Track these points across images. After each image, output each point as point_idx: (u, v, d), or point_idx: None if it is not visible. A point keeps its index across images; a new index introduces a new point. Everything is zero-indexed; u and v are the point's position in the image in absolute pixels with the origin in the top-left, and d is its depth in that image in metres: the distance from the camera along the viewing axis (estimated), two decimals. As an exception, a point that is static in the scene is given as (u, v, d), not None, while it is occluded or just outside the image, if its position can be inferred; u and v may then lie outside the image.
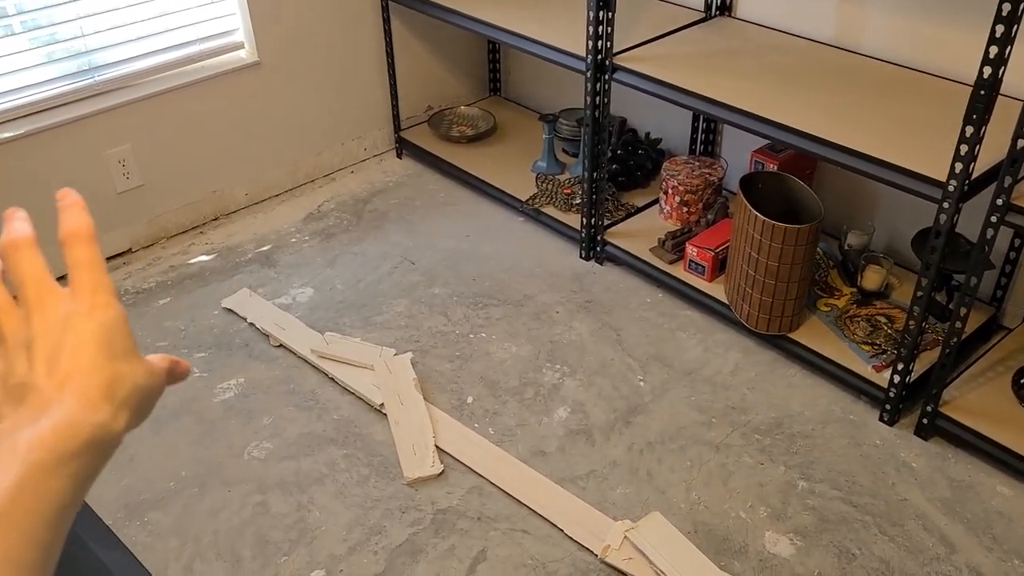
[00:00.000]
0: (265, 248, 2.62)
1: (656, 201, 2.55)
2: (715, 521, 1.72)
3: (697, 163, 2.45)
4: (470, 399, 2.03)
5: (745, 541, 1.68)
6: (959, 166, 1.57)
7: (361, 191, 2.89)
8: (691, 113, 2.55)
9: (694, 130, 2.58)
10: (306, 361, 2.15)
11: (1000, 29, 1.42)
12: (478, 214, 2.73)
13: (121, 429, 0.47)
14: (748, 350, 2.14)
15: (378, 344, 2.18)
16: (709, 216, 2.37)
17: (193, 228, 2.73)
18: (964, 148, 1.54)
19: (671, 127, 2.70)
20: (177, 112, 2.55)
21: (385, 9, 2.77)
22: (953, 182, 1.59)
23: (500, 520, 1.74)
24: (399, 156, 3.06)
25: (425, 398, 2.01)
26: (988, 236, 1.60)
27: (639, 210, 2.54)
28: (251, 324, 2.28)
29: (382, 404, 1.98)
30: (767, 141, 2.27)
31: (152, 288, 2.46)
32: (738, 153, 2.52)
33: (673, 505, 1.76)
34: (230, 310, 2.35)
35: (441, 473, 1.83)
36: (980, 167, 1.62)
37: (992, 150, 1.62)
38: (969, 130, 1.52)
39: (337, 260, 2.55)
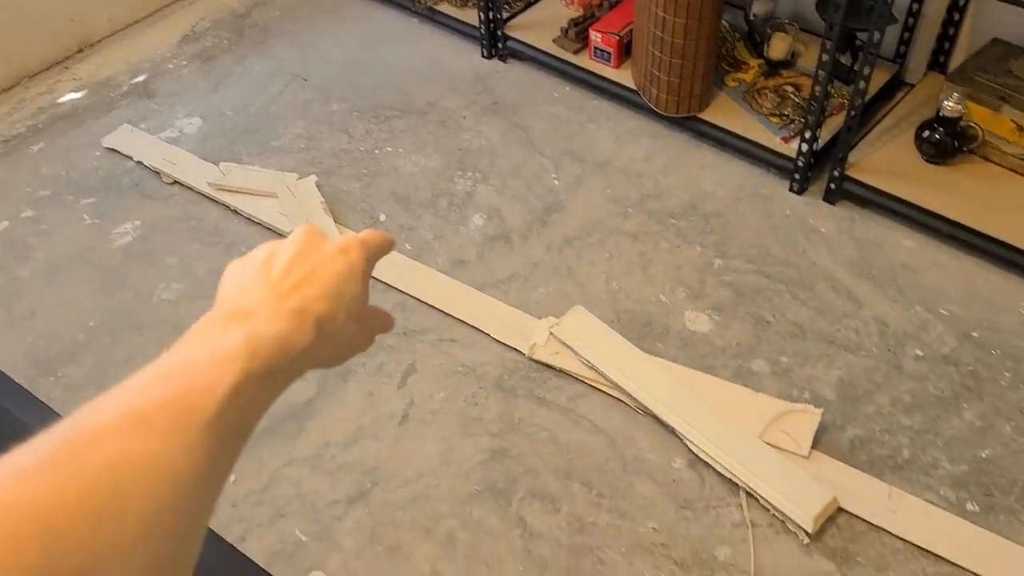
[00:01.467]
0: (140, 78, 2.41)
1: (555, -13, 2.40)
2: (637, 307, 1.75)
3: (594, -60, 2.29)
4: (383, 217, 1.97)
5: (666, 322, 1.72)
6: (862, -87, 1.48)
7: (238, 5, 2.65)
8: None
9: (588, -97, 2.39)
10: (204, 196, 2.03)
11: None
12: (368, 19, 2.54)
13: (307, 363, 0.48)
14: (659, 135, 2.11)
15: (279, 170, 2.07)
16: (610, -3, 2.24)
17: (56, 64, 2.48)
18: None
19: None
20: (8, -69, 2.24)
21: None
22: (857, -69, 1.51)
23: (426, 333, 1.73)
24: (273, -37, 2.79)
25: (336, 220, 1.94)
26: (892, -12, 1.55)
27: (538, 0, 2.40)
28: (139, 162, 2.13)
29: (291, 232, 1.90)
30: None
31: (23, 134, 2.26)
32: (636, -75, 2.36)
33: (595, 297, 1.78)
34: (113, 149, 2.18)
35: (361, 293, 1.80)
36: (884, -87, 1.53)
37: None
38: None
39: (222, 84, 2.37)
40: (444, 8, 2.40)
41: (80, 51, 2.52)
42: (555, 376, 1.64)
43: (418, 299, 1.78)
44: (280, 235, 1.91)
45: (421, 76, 2.33)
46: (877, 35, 1.63)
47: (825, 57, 1.71)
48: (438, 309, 1.76)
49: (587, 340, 1.64)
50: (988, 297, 1.72)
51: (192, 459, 0.38)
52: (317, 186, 2.00)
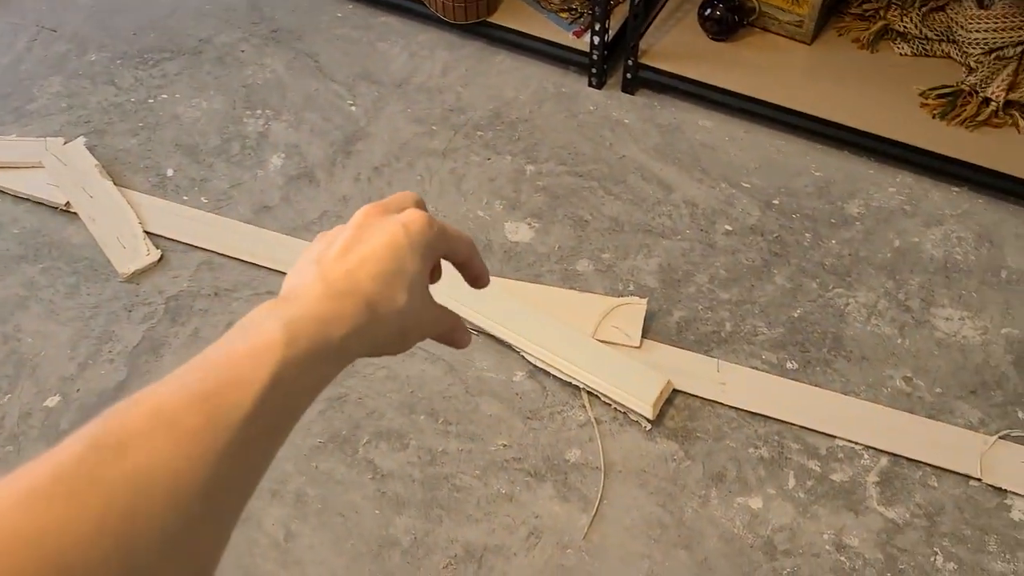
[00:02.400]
0: None
1: (319, -103, 2.23)
2: (456, 225, 1.71)
3: None
4: (170, 171, 1.81)
5: (488, 237, 1.70)
6: None
7: (-42, -45, 2.31)
8: None
9: None
10: (-43, 179, 1.79)
11: None
12: (117, -45, 2.29)
13: (360, 346, 0.44)
14: (453, 46, 2.04)
15: (41, 136, 1.85)
16: (379, -97, 2.11)
17: None
18: None
19: None
20: None
21: None
22: None
23: (240, 288, 1.63)
24: (-7, -100, 2.44)
25: (117, 183, 1.77)
26: None
27: (302, -88, 2.22)
28: None
29: (67, 203, 1.72)
30: None
31: None
32: None
33: (412, 222, 1.72)
34: None
35: (161, 259, 1.66)
36: None
37: None
38: None
39: (-44, 49, 2.08)
40: (200, -67, 2.19)
41: None
42: (383, 311, 1.59)
43: (224, 255, 1.66)
44: (53, 208, 1.73)
45: (187, 10, 2.13)
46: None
47: (602, -56, 1.68)
48: (249, 262, 1.65)
49: (409, 269, 1.59)
50: (783, 164, 1.80)
51: (221, 466, 0.35)
52: (88, 148, 1.81)
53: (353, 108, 1.92)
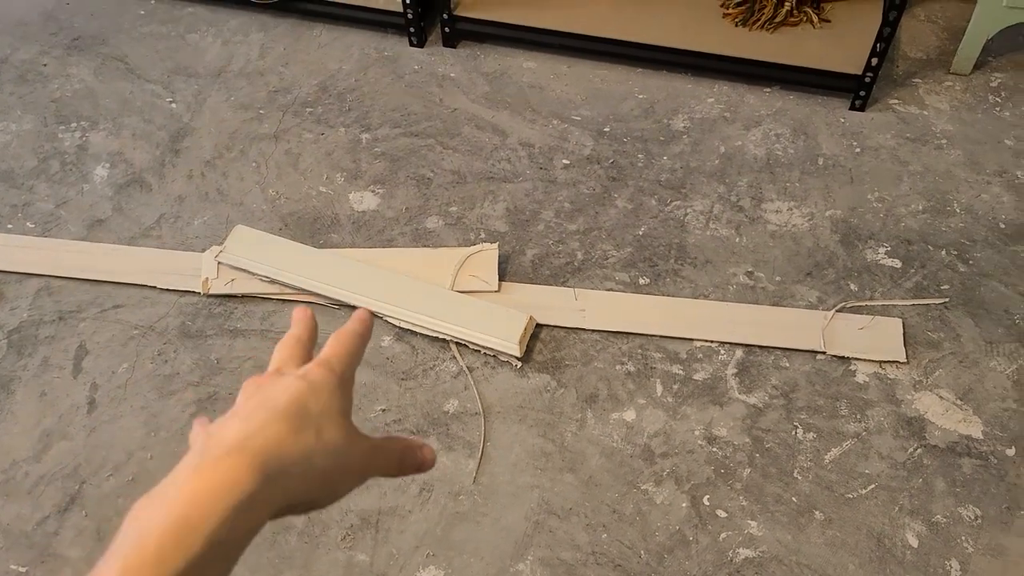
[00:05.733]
0: None
1: None
2: (300, 207, 1.70)
3: None
4: (-12, 203, 1.72)
5: (335, 212, 1.69)
6: None
7: None
8: None
9: None
10: None
11: None
12: None
13: (262, 500, 0.41)
14: (267, 26, 2.00)
15: None
16: None
17: None
18: None
19: None
20: None
21: None
22: None
23: (85, 308, 1.57)
24: None
25: (-68, 225, 1.67)
26: None
27: (82, -90, 2.12)
28: None
29: None
30: None
31: None
32: None
33: (256, 211, 1.69)
34: None
35: (-5, 294, 1.58)
36: None
37: None
38: None
39: None
40: (-26, -53, 2.06)
41: None
42: (241, 303, 1.57)
43: (61, 276, 1.60)
44: None
45: (-23, 33, 2.01)
46: None
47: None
48: (90, 280, 1.60)
49: (258, 255, 1.57)
50: (608, 93, 1.86)
51: None
52: None
53: (173, 105, 1.86)
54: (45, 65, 1.94)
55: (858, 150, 1.75)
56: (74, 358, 1.51)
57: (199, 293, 1.57)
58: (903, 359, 1.47)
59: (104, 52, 1.96)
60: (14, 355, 1.52)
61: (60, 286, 1.60)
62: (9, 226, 1.68)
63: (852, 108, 1.82)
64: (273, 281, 1.55)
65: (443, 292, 1.53)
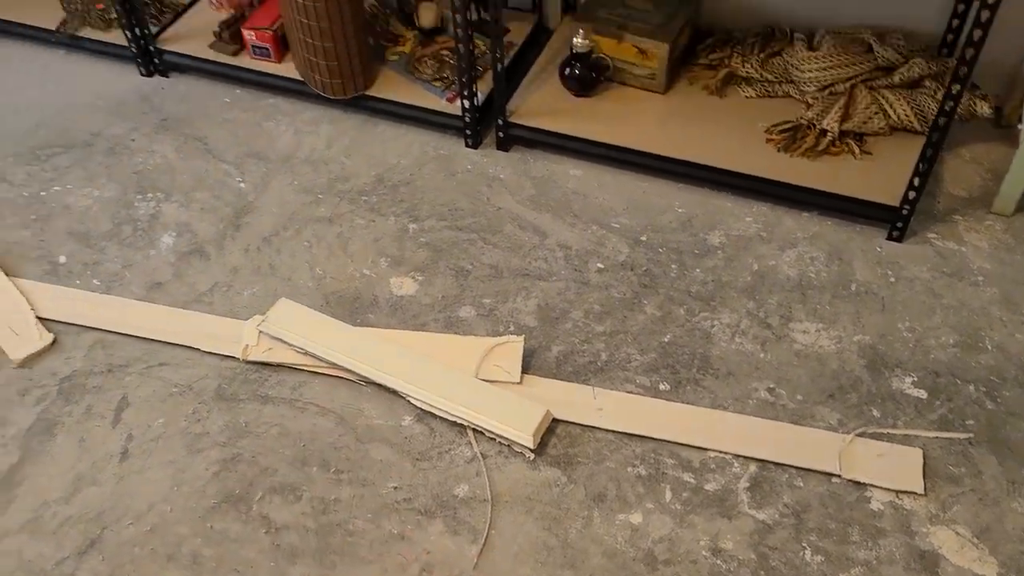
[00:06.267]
0: None
1: (202, -7, 2.36)
2: (343, 287, 1.79)
3: (228, -60, 2.28)
4: (62, 259, 1.86)
5: (374, 293, 1.78)
6: None
7: None
8: None
9: (215, -96, 2.36)
10: None
11: None
12: (8, 61, 2.36)
13: None
14: (336, 120, 2.15)
15: (-68, 237, 1.89)
16: (257, -6, 2.24)
17: None
18: None
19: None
20: None
21: None
22: None
23: (132, 364, 1.67)
24: None
25: (9, 274, 1.81)
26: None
27: (187, 7, 2.34)
28: None
29: (-41, 298, 1.76)
30: (288, -102, 2.14)
31: None
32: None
33: (301, 287, 1.79)
34: None
35: (54, 342, 1.70)
36: None
37: None
38: None
39: None
40: (88, 34, 2.28)
41: None
42: (275, 372, 1.65)
43: (117, 332, 1.71)
44: (-55, 304, 1.75)
45: (79, 108, 2.21)
46: (496, -11, 1.76)
47: (458, 17, 1.82)
48: (140, 337, 1.70)
49: (296, 328, 1.66)
50: (648, 204, 1.93)
51: None
52: (-20, 244, 1.85)
53: (242, 185, 2.00)
54: (133, 140, 2.12)
55: (892, 279, 1.77)
56: (115, 409, 1.60)
57: (238, 359, 1.66)
58: (921, 490, 1.45)
59: (188, 132, 2.13)
60: (62, 401, 1.62)
61: (114, 341, 1.70)
62: (77, 282, 1.81)
63: (889, 238, 1.84)
64: (307, 353, 1.63)
65: (466, 378, 1.59)
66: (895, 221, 1.81)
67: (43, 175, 2.04)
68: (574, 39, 1.96)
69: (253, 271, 1.83)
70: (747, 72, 2.04)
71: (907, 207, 1.78)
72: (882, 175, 1.86)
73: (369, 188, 1.98)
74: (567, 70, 2.01)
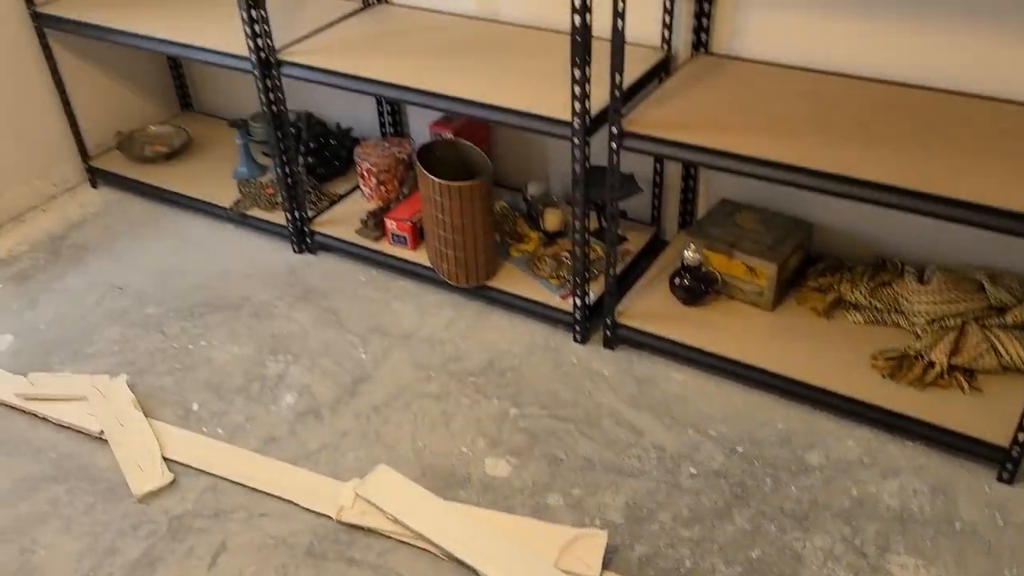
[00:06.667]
0: (-47, 303, 2.44)
1: (357, 186, 2.66)
2: (440, 461, 1.87)
3: (386, 144, 2.59)
4: (195, 406, 2.04)
5: (468, 471, 1.84)
6: (577, 105, 1.80)
7: (56, 228, 2.76)
8: (372, 96, 2.68)
9: (380, 113, 2.71)
10: (12, 407, 2.05)
11: (579, -16, 1.66)
12: (185, 229, 2.71)
13: None
14: (457, 305, 2.32)
15: (92, 374, 2.12)
16: (404, 190, 2.51)
17: None
18: (577, 89, 1.78)
19: (360, 113, 2.81)
20: None
21: (42, 37, 2.66)
22: (576, 119, 1.83)
23: (237, 511, 1.78)
24: (94, 186, 2.95)
25: (148, 415, 1.99)
26: (614, 161, 1.86)
27: (342, 197, 2.64)
28: (-55, 383, 2.14)
29: (101, 431, 1.94)
30: (441, 112, 2.45)
31: None
32: (424, 127, 2.69)
33: (402, 457, 1.88)
34: (-81, 374, 2.18)
35: (172, 482, 1.84)
36: (599, 103, 1.87)
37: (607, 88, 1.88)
38: (577, 73, 1.76)
39: (38, 301, 2.43)
40: (254, 213, 2.60)
41: None
42: (364, 535, 1.71)
43: (229, 479, 1.83)
44: (89, 435, 1.94)
45: (235, 274, 2.48)
46: (621, 203, 1.92)
47: (577, 223, 1.99)
48: (248, 486, 1.82)
49: (391, 496, 1.73)
50: (748, 415, 1.95)
51: None
52: (129, 385, 2.06)
53: (363, 356, 2.17)
54: (276, 307, 2.35)
55: (1000, 523, 1.69)
56: (214, 553, 1.69)
57: (332, 518, 1.74)
58: None
59: (324, 304, 2.34)
60: (169, 538, 1.73)
61: (225, 487, 1.82)
62: (204, 428, 1.97)
63: (999, 480, 1.77)
64: (396, 521, 1.69)
65: (546, 567, 1.59)
66: (1005, 462, 1.75)
67: (194, 330, 2.28)
68: (685, 252, 2.08)
69: (360, 436, 1.94)
70: (855, 298, 2.08)
71: (1018, 449, 1.72)
72: (992, 413, 1.82)
73: (478, 370, 2.10)
74: (677, 279, 2.12)
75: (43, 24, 2.62)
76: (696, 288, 2.11)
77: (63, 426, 1.99)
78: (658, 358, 2.11)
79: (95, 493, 1.83)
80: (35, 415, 2.02)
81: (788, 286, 2.16)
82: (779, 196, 2.20)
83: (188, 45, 2.33)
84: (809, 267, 2.21)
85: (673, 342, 2.06)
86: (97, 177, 2.92)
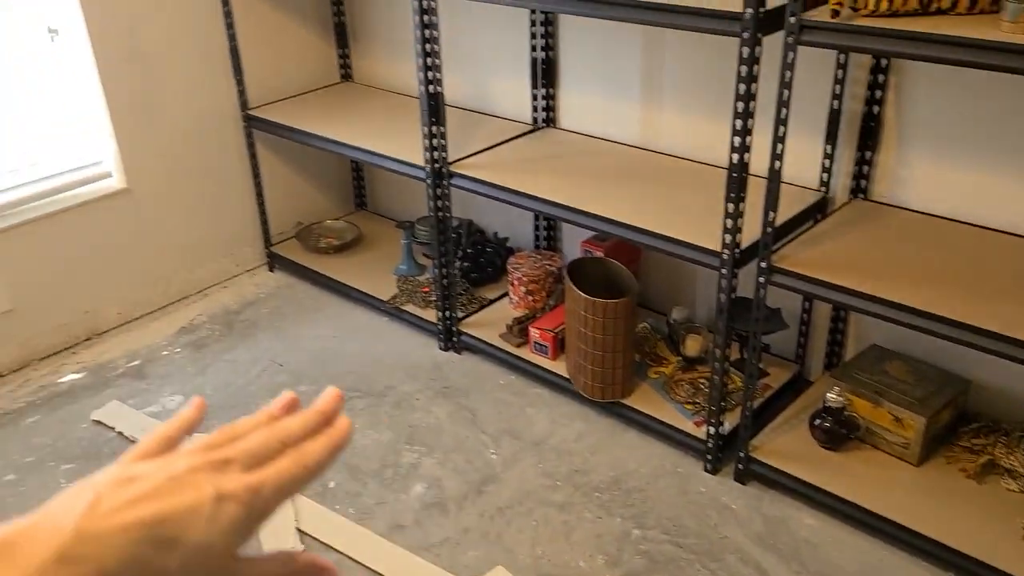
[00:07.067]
0: (136, 362, 2.70)
1: (506, 293, 2.78)
2: (557, 572, 1.87)
3: (539, 256, 2.72)
4: (332, 484, 2.15)
5: (584, 587, 1.83)
6: (727, 237, 1.85)
7: (233, 304, 3.03)
8: (531, 211, 2.83)
9: (536, 227, 2.86)
10: (173, 462, 2.23)
11: (739, 123, 1.74)
12: (345, 317, 2.90)
13: None
14: (590, 419, 2.35)
15: (244, 441, 2.28)
16: (551, 302, 2.61)
17: (65, 349, 2.80)
18: (729, 222, 1.84)
19: (517, 225, 2.97)
20: (48, 239, 2.67)
21: (249, 135, 3.00)
22: (725, 251, 1.87)
23: (357, 591, 1.84)
24: (271, 270, 3.23)
25: (288, 486, 2.12)
26: (760, 295, 1.88)
27: (491, 302, 2.77)
28: (120, 433, 2.36)
29: (246, 495, 2.08)
30: (594, 232, 2.55)
31: (22, 408, 2.51)
32: (576, 244, 2.80)
33: (520, 562, 1.90)
34: (100, 422, 2.41)
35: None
36: (750, 237, 1.91)
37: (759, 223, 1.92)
38: (730, 207, 1.82)
39: (208, 368, 2.66)
40: (409, 308, 2.77)
41: (88, 339, 2.85)
42: (474, 636, 1.73)
43: (353, 559, 1.91)
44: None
45: (384, 364, 2.63)
46: (764, 336, 1.93)
47: (718, 352, 2.00)
48: (371, 569, 1.88)
49: (505, 600, 1.75)
50: (881, 571, 1.85)
51: None
52: (276, 455, 2.20)
53: (494, 456, 2.22)
54: (417, 399, 2.46)
55: None
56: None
57: (446, 613, 1.77)
58: None
59: (462, 402, 2.44)
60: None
61: (350, 566, 1.90)
62: (337, 506, 2.07)
63: None
64: (508, 626, 1.70)
65: None
66: None
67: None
68: (829, 394, 2.04)
69: (481, 535, 1.98)
70: (1011, 464, 1.96)
71: None
72: None
73: (604, 486, 2.11)
74: (818, 421, 2.07)
75: (252, 124, 2.96)
76: (837, 432, 2.05)
77: (213, 486, 2.14)
78: (790, 499, 2.05)
79: (232, 553, 1.95)
80: (191, 472, 2.18)
81: (937, 442, 2.06)
82: (932, 348, 2.14)
83: (372, 152, 2.57)
84: (962, 425, 2.10)
85: (808, 484, 2.00)
86: (275, 262, 3.20)
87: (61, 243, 2.71)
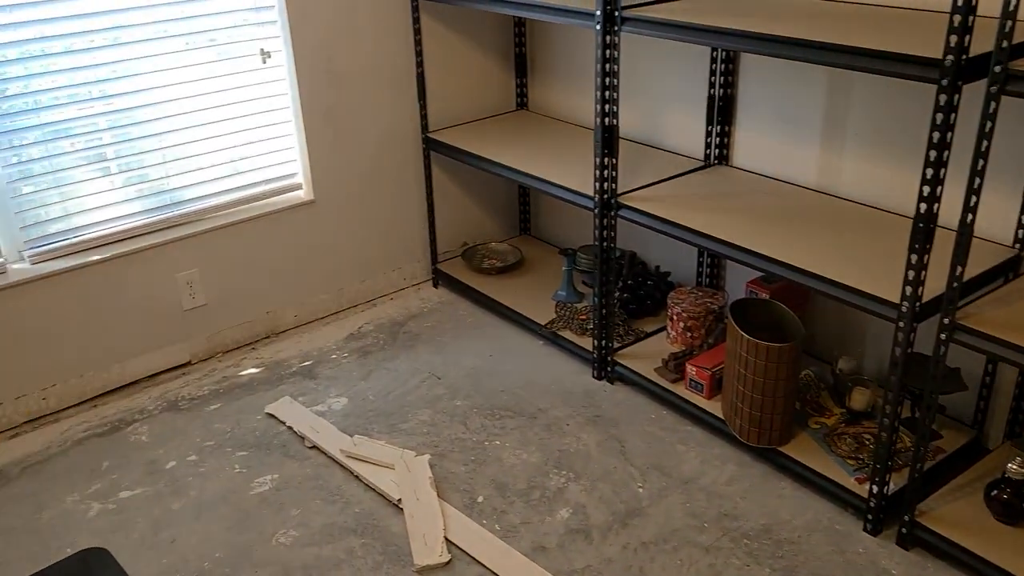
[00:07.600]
0: (308, 363, 2.88)
1: (664, 327, 2.77)
2: (699, 616, 1.84)
3: (700, 293, 2.69)
4: (480, 498, 2.20)
5: (726, 635, 1.79)
6: (908, 289, 1.77)
7: (398, 315, 3.17)
8: (696, 247, 2.80)
9: (700, 263, 2.83)
10: (335, 461, 2.36)
11: (930, 172, 1.66)
12: (502, 337, 2.98)
13: None
14: (743, 463, 2.29)
15: (401, 447, 2.39)
16: (710, 340, 2.57)
17: (246, 344, 3.02)
18: (911, 273, 1.75)
19: (680, 260, 2.95)
20: (241, 242, 2.90)
21: (427, 157, 3.15)
22: (905, 303, 1.79)
23: (499, 606, 1.87)
24: (435, 285, 3.36)
25: (439, 496, 2.19)
26: (940, 353, 1.78)
27: (648, 335, 2.76)
28: (289, 427, 2.52)
29: (400, 499, 2.17)
30: (761, 273, 2.50)
31: (206, 395, 2.73)
32: (740, 283, 2.75)
33: (661, 600, 1.88)
34: (272, 415, 2.59)
35: (448, 562, 1.99)
36: (933, 291, 1.82)
37: (944, 277, 1.83)
38: (914, 258, 1.74)
39: (371, 374, 2.80)
40: (565, 334, 2.80)
41: (267, 337, 3.07)
42: (611, 668, 1.72)
43: (496, 574, 1.95)
44: (388, 500, 2.17)
45: (537, 387, 2.67)
46: (940, 397, 1.83)
47: (888, 408, 1.91)
48: (513, 587, 1.92)
49: (644, 636, 1.73)
50: (1062, 665, 1.69)
51: None
52: (429, 464, 2.29)
53: (641, 489, 2.21)
54: (568, 425, 2.49)
55: None
56: (471, 639, 1.80)
57: (584, 641, 1.77)
58: None
59: (611, 432, 2.44)
60: (435, 612, 1.86)
61: (492, 580, 1.94)
62: (484, 521, 2.12)
63: None
64: (646, 663, 1.68)
65: None
66: None
67: (492, 428, 2.48)
68: (1010, 464, 1.90)
69: (624, 567, 1.97)
70: None
71: None
72: None
73: (754, 534, 2.05)
74: (995, 492, 1.93)
75: (430, 146, 3.11)
76: (1016, 505, 1.90)
77: (370, 487, 2.25)
78: (958, 571, 1.91)
79: (384, 553, 2.04)
80: (351, 471, 2.31)
81: None
82: None
83: (543, 179, 2.63)
84: None
85: (979, 558, 1.86)
86: (439, 278, 3.33)
87: (253, 247, 2.94)
